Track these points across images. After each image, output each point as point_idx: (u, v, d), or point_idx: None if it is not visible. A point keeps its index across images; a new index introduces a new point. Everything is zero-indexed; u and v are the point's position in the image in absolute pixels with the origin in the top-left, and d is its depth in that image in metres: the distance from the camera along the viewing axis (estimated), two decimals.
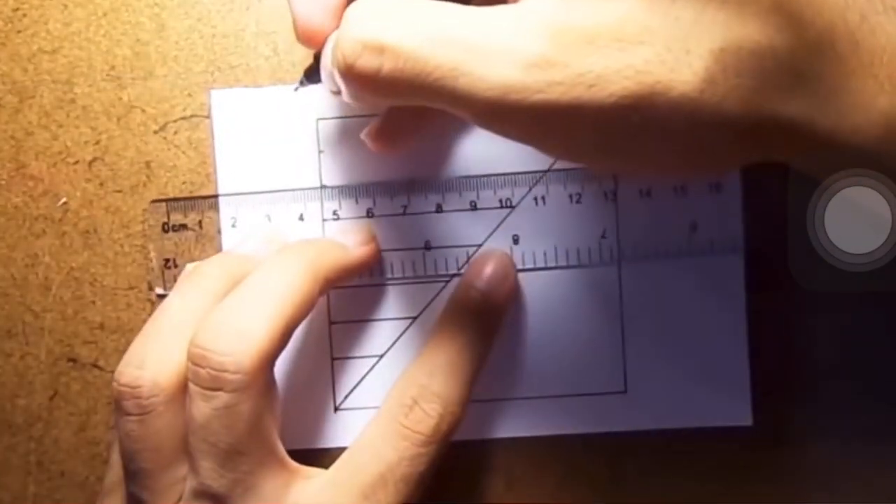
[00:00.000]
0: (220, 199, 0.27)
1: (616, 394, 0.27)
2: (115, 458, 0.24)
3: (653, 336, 0.27)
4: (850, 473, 0.28)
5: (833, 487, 0.28)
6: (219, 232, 0.27)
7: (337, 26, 0.20)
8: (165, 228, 0.28)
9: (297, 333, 0.27)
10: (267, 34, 0.28)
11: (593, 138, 0.18)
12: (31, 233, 0.28)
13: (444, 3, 0.19)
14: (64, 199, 0.28)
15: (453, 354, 0.24)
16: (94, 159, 0.28)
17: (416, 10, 0.18)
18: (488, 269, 0.26)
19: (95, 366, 0.28)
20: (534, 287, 0.27)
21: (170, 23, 0.28)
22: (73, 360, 0.28)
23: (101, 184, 0.28)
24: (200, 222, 0.28)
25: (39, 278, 0.28)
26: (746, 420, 0.27)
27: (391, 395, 0.24)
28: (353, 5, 0.19)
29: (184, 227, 0.28)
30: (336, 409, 0.28)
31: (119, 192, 0.28)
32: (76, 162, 0.28)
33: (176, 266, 0.28)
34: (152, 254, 0.27)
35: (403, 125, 0.25)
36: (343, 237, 0.26)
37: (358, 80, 0.18)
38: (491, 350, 0.25)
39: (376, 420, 0.24)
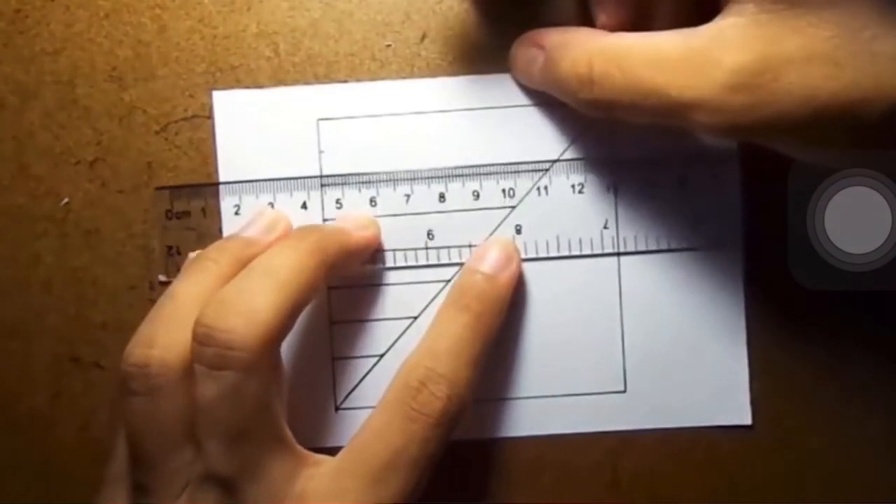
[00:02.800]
0: (224, 186, 0.27)
1: (616, 394, 0.27)
2: (120, 449, 0.24)
3: (652, 336, 0.27)
4: (850, 473, 0.28)
5: (833, 487, 0.28)
6: (221, 220, 0.27)
7: None
8: (169, 216, 0.28)
9: (298, 333, 0.27)
10: (268, 35, 0.28)
11: (789, 140, 0.21)
12: (32, 233, 0.28)
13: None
14: (66, 200, 0.28)
15: (458, 337, 0.24)
16: (96, 160, 0.28)
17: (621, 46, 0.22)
18: (492, 254, 0.26)
19: (97, 366, 0.28)
20: (534, 282, 0.27)
21: (171, 24, 0.28)
22: (75, 360, 0.28)
23: (103, 184, 0.28)
24: (204, 209, 0.28)
25: (41, 278, 0.28)
26: (746, 420, 0.27)
27: (397, 379, 0.24)
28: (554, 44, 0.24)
29: (187, 214, 0.28)
30: (337, 408, 0.28)
31: (121, 192, 0.28)
32: (78, 162, 0.28)
33: (179, 253, 0.28)
34: (155, 241, 0.27)
35: None
36: (344, 222, 0.27)
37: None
38: (496, 334, 0.25)
39: (383, 404, 0.24)
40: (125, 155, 0.28)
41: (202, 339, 0.21)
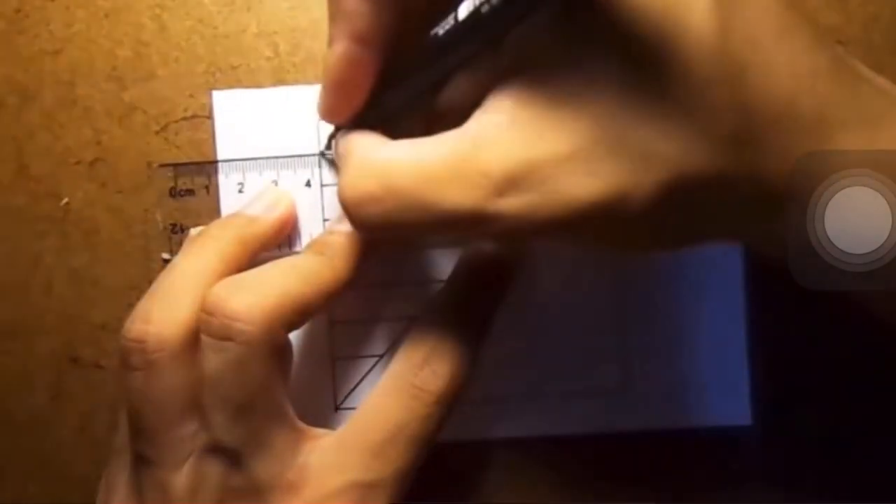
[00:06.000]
0: (228, 164, 0.27)
1: (616, 394, 0.27)
2: (123, 420, 0.24)
3: (653, 336, 0.27)
4: (850, 473, 0.28)
5: (833, 487, 0.28)
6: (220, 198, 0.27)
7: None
8: (172, 193, 0.28)
9: (298, 333, 0.27)
10: (268, 35, 0.28)
11: (563, 240, 0.21)
12: (32, 233, 0.28)
13: (398, 143, 0.21)
14: (66, 200, 0.28)
15: (462, 315, 0.24)
16: (96, 160, 0.28)
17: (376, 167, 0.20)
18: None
19: (97, 366, 0.28)
20: (534, 281, 0.27)
21: (171, 24, 0.28)
22: (75, 361, 0.28)
23: (103, 184, 0.28)
24: (207, 187, 0.28)
25: (41, 278, 0.28)
26: (746, 419, 0.27)
27: (400, 356, 0.24)
28: (347, 154, 0.22)
29: (190, 192, 0.28)
30: (337, 408, 0.28)
31: (120, 192, 0.28)
32: (78, 162, 0.28)
33: (182, 231, 0.28)
34: (158, 217, 0.27)
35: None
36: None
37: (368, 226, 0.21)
38: (498, 311, 0.25)
39: (385, 380, 0.24)
40: (125, 155, 0.28)
41: (210, 308, 0.22)
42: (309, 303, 0.23)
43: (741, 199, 0.18)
